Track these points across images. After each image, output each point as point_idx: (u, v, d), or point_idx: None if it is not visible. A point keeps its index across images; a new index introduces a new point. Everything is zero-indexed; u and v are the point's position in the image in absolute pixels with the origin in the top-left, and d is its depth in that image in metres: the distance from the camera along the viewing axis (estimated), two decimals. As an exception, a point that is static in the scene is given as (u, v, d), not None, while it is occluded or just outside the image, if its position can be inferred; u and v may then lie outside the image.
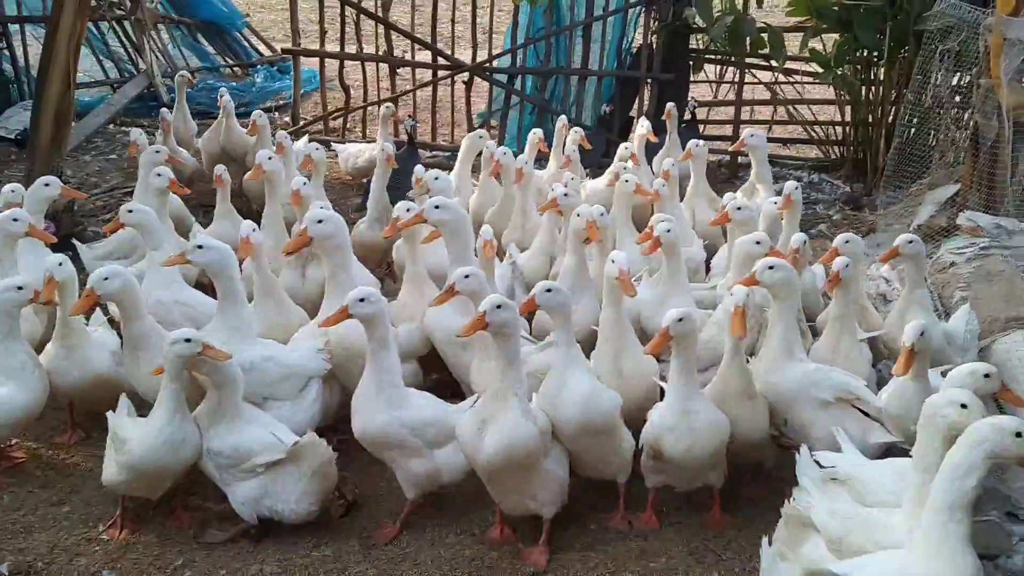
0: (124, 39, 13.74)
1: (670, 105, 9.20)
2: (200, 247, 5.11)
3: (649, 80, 11.51)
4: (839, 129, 11.35)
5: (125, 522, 4.66)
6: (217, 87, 13.01)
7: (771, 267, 4.93)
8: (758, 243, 5.65)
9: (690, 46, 11.59)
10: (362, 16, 12.09)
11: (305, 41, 14.14)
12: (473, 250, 5.68)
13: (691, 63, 11.67)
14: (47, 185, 6.62)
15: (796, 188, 6.56)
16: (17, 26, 12.73)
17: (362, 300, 4.52)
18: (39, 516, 4.78)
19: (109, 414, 4.72)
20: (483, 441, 4.29)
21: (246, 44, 15.86)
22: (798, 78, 11.66)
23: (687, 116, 9.95)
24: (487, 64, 11.86)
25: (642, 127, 8.89)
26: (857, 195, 10.23)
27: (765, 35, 10.74)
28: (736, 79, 11.53)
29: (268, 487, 4.53)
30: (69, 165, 9.97)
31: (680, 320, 4.49)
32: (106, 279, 4.89)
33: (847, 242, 5.82)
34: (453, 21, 12.32)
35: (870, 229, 8.89)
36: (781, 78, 11.55)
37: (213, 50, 15.36)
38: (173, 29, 15.18)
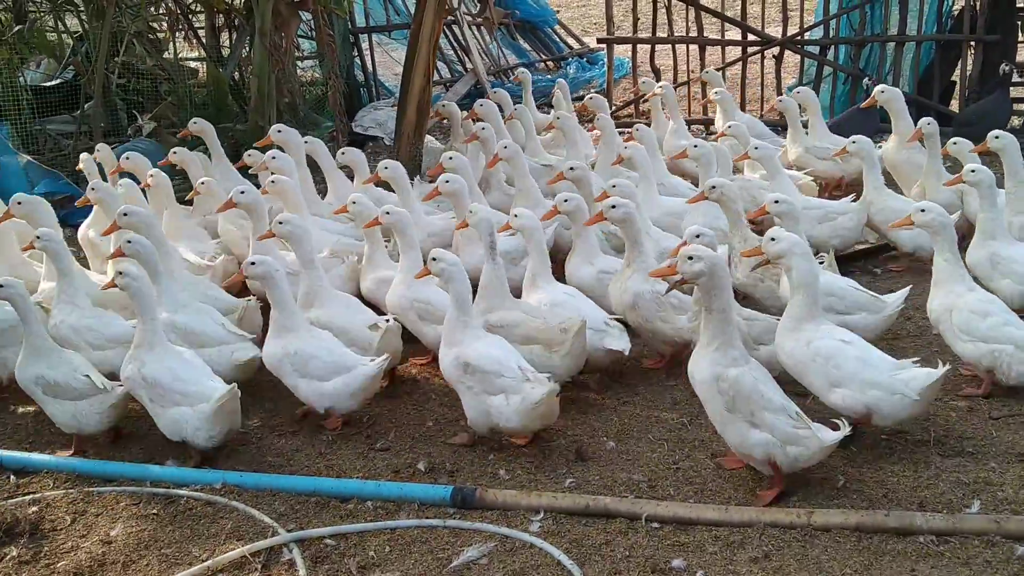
0: (453, 42, 15.15)
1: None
2: None
3: (972, 43, 11.14)
4: None
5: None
6: (535, 80, 14.04)
7: (690, 257, 4.64)
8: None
9: (1017, 5, 11.09)
10: (673, 1, 12.61)
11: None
12: None
13: (1019, 23, 11.15)
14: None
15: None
16: (365, 36, 14.43)
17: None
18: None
19: None
20: None
21: (557, 39, 16.91)
22: None
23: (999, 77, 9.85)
24: (798, 37, 11.98)
25: None
26: None
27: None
28: (1073, 35, 10.92)
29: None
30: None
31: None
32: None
33: None
34: (763, -2, 12.56)
35: None
36: None
37: (528, 47, 16.53)
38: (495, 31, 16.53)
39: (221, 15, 13.28)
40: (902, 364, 4.89)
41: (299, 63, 14.15)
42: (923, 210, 5.60)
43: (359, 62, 14.35)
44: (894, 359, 4.95)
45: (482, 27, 15.05)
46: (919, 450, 4.95)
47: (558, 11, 18.33)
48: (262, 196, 6.81)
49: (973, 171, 6.30)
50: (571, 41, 17.04)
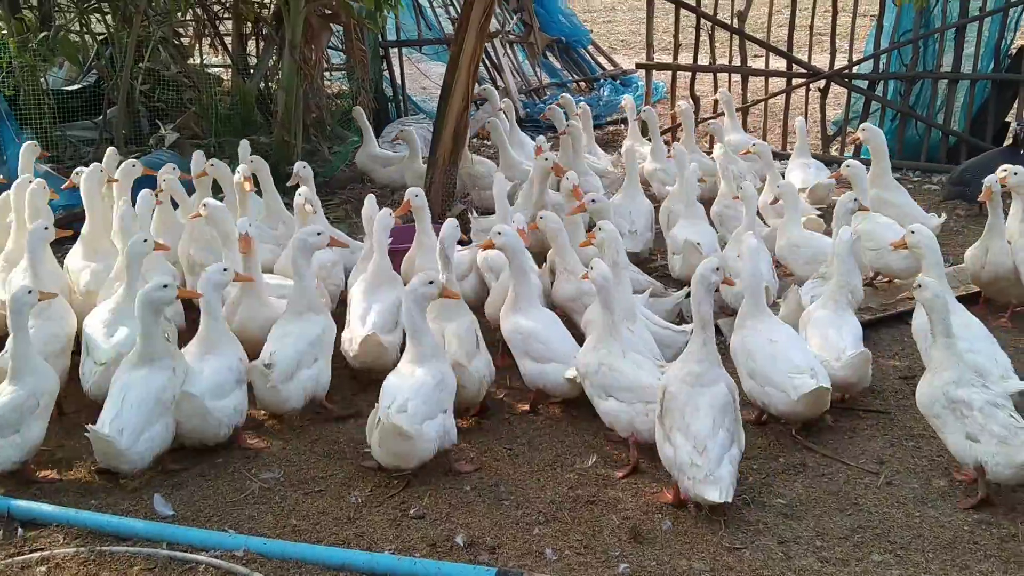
0: (485, 60, 14.76)
1: None
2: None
3: (1030, 83, 10.71)
4: None
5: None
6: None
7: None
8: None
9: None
10: (716, 27, 12.21)
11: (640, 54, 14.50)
12: None
13: (1080, 63, 10.72)
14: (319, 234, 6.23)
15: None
16: (396, 50, 14.07)
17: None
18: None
19: None
20: None
21: (590, 60, 16.51)
22: None
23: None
24: (847, 70, 11.56)
25: None
26: None
27: None
28: None
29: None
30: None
31: None
32: None
33: None
34: (811, 28, 12.13)
35: None
36: None
37: (561, 66, 16.13)
38: (522, 49, 16.15)
39: (249, 24, 12.96)
40: (805, 370, 5.28)
41: (327, 75, 13.82)
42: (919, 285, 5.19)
43: (388, 76, 14.01)
44: (809, 365, 5.32)
45: (515, 44, 14.68)
46: (1006, 546, 4.51)
47: (589, 29, 17.94)
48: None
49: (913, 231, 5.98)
50: (603, 61, 16.63)
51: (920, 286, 5.11)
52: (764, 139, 11.57)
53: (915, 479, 5.09)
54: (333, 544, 4.65)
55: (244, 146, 8.71)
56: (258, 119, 11.80)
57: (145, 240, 6.15)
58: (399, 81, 14.11)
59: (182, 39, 13.31)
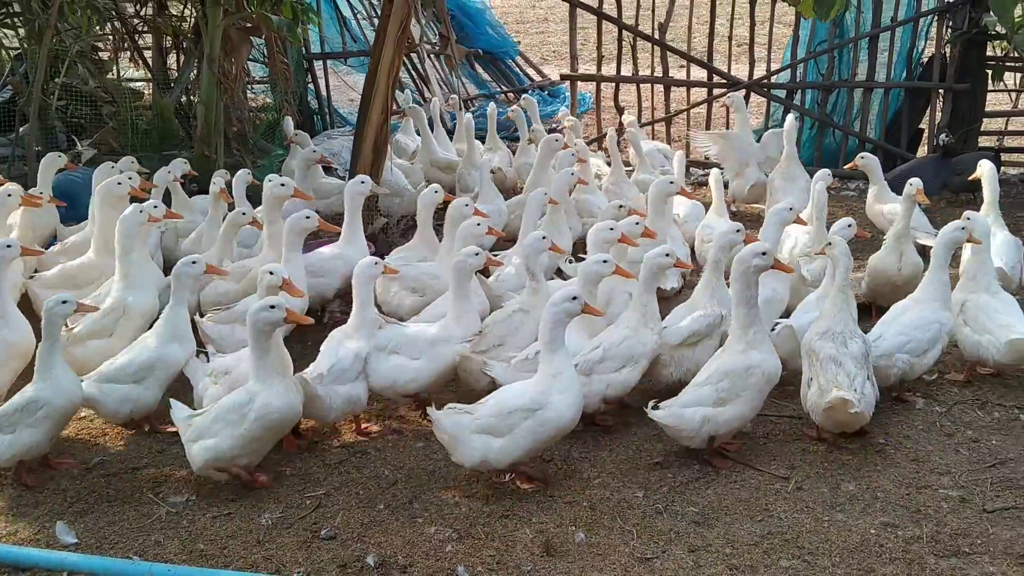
0: (411, 70, 14.71)
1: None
2: None
3: (941, 91, 10.99)
4: None
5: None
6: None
7: None
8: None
9: (987, 54, 10.97)
10: (638, 39, 12.33)
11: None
12: None
13: (989, 72, 11.03)
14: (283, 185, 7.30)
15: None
16: (320, 62, 13.94)
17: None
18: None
19: None
20: None
21: (518, 71, 16.55)
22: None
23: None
24: (765, 80, 11.75)
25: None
26: None
27: (1078, 40, 10.00)
28: (1041, 88, 10.79)
29: None
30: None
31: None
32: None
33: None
34: (730, 39, 12.31)
35: None
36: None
37: (489, 77, 16.14)
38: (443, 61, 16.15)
39: (168, 37, 12.74)
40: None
41: (251, 88, 13.64)
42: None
43: (313, 88, 13.87)
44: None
45: (441, 56, 14.66)
46: (911, 548, 4.59)
47: (518, 40, 18.00)
48: None
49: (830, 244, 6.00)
50: (532, 72, 16.69)
51: (831, 244, 5.83)
52: (687, 149, 11.70)
53: (824, 484, 5.15)
54: (240, 568, 4.56)
55: (177, 165, 8.69)
56: (179, 133, 11.60)
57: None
58: (324, 93, 13.98)
59: (100, 53, 13.03)
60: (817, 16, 10.01)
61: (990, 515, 4.82)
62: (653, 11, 12.46)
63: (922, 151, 11.45)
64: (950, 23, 10.76)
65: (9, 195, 7.43)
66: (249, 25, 11.62)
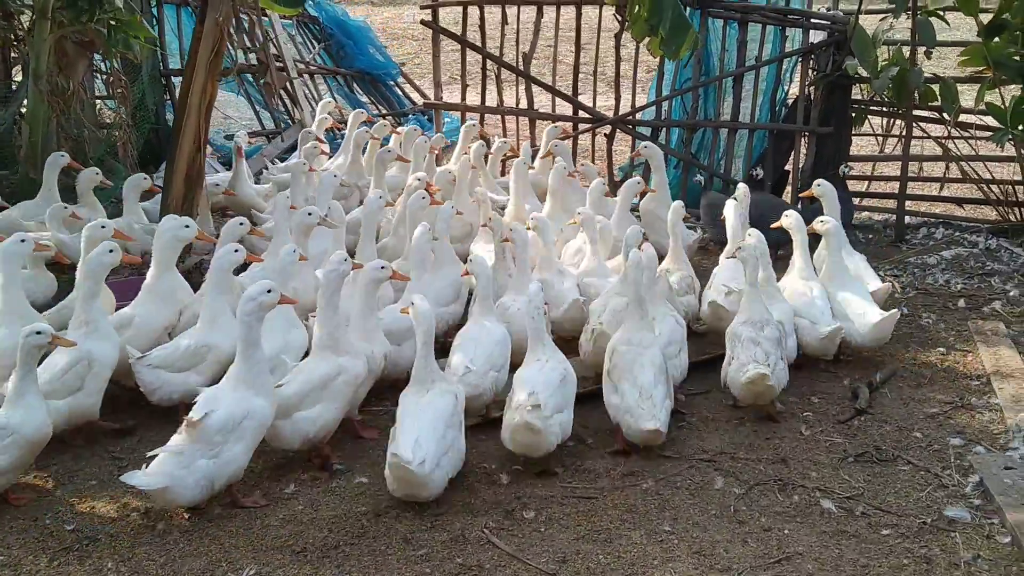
0: (282, 92, 14.04)
1: None
2: None
3: (806, 133, 10.74)
4: (1021, 189, 10.22)
5: None
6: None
7: None
8: None
9: (852, 97, 10.74)
10: (503, 69, 11.89)
11: (449, 93, 14.11)
12: None
13: (853, 115, 10.81)
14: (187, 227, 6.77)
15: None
16: (180, 78, 13.19)
17: None
18: None
19: None
20: None
21: (399, 93, 16.01)
22: (973, 132, 10.58)
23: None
24: (630, 117, 11.39)
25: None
26: (1041, 266, 9.13)
27: (935, 87, 9.84)
28: (903, 133, 10.54)
29: None
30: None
31: None
32: None
33: None
34: (595, 74, 11.94)
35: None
36: (954, 132, 10.52)
37: (368, 99, 15.56)
38: (329, 80, 15.52)
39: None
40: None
41: (104, 103, 12.84)
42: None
43: (171, 103, 13.13)
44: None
45: (303, 75, 14.06)
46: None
47: (403, 64, 17.48)
48: None
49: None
50: (416, 96, 16.15)
51: (742, 247, 6.63)
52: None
53: (589, 583, 4.66)
54: None
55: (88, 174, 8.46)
56: (12, 152, 10.80)
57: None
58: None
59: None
60: (666, 55, 9.75)
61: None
62: (517, 42, 12.02)
63: (787, 194, 11.14)
64: (814, 65, 10.51)
65: None
66: (87, 39, 10.92)
